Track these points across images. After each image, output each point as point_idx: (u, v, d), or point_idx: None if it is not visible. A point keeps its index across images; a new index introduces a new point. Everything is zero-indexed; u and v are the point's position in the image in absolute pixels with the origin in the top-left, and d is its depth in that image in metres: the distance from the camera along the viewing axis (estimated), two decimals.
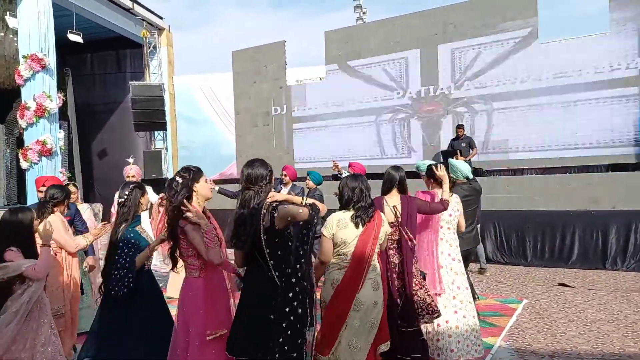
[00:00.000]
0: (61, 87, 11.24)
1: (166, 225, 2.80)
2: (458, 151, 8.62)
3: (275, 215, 2.57)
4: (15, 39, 10.40)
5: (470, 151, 9.00)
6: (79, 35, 9.95)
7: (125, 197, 3.07)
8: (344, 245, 2.91)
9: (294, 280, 2.57)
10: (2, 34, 10.82)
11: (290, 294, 2.55)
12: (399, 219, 3.36)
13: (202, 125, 13.94)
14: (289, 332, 2.52)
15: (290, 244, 2.61)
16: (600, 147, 8.33)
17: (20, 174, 11.60)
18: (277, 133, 11.51)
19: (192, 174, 2.73)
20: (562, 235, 7.33)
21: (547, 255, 7.34)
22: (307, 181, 6.25)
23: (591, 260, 7.04)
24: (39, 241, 3.02)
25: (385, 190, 3.56)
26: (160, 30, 13.38)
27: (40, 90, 9.16)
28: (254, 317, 2.55)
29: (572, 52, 8.63)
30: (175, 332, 2.79)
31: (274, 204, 2.60)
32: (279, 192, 6.32)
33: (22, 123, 9.22)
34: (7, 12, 9.42)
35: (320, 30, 12.34)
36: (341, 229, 2.92)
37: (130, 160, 5.67)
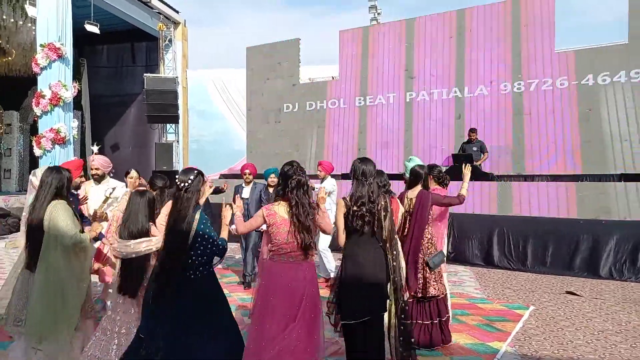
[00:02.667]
0: (76, 77, 11.35)
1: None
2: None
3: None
4: (33, 27, 10.55)
5: (482, 155, 8.96)
6: (96, 26, 10.05)
7: (189, 182, 2.87)
8: None
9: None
10: (21, 23, 10.97)
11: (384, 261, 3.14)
12: (411, 210, 3.94)
13: (213, 120, 14.03)
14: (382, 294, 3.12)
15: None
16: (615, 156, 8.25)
17: (33, 161, 11.76)
18: (288, 130, 11.52)
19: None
20: (571, 243, 7.25)
21: (555, 262, 7.27)
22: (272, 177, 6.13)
23: (600, 270, 6.96)
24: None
25: (409, 185, 4.11)
26: (176, 24, 13.49)
27: (56, 79, 9.28)
28: (363, 284, 3.03)
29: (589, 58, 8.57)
30: (274, 315, 2.91)
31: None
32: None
33: (37, 111, 9.34)
34: (27, 1, 9.54)
35: (334, 31, 12.33)
36: None
37: (95, 149, 5.39)
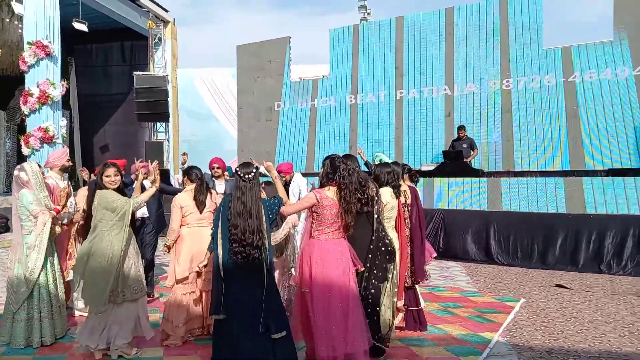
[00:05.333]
0: (64, 75, 11.23)
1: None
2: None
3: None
4: (20, 25, 10.43)
5: (471, 152, 9.03)
6: (85, 24, 9.97)
7: (253, 174, 3.28)
8: (392, 210, 3.94)
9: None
10: (7, 20, 10.82)
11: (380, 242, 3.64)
12: (408, 201, 4.26)
13: (204, 120, 13.97)
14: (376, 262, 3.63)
15: None
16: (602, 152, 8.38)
17: (21, 161, 11.60)
18: (280, 129, 11.52)
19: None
20: (560, 238, 7.34)
21: (544, 257, 7.35)
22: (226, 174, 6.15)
23: (588, 264, 7.06)
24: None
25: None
26: (165, 22, 13.42)
27: (44, 78, 9.18)
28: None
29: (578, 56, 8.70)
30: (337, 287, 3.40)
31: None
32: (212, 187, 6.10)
33: (25, 109, 9.23)
34: None
35: (324, 31, 12.37)
36: (393, 199, 3.93)
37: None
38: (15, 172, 4.08)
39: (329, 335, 3.26)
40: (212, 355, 3.28)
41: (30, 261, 3.88)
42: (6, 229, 9.49)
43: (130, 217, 3.63)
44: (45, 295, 3.94)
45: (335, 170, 3.48)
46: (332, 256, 3.40)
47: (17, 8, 9.40)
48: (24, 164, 4.16)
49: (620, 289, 6.02)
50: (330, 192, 3.46)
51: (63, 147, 7.02)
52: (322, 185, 3.56)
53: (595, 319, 4.76)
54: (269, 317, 3.12)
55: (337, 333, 3.26)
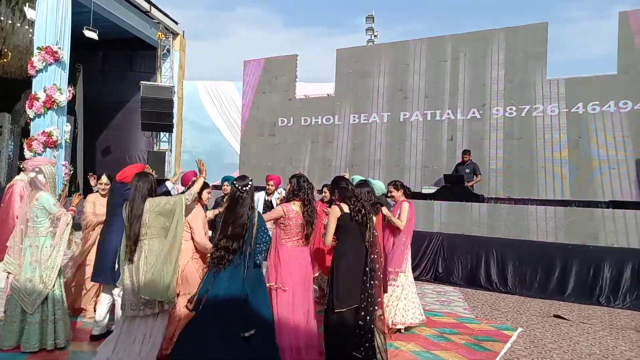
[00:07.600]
0: (71, 81, 11.30)
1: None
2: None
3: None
4: (30, 30, 10.54)
5: (474, 177, 9.03)
6: (95, 32, 10.07)
7: (248, 187, 3.55)
8: None
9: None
10: (19, 24, 10.94)
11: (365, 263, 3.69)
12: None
13: (207, 132, 14.02)
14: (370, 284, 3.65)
15: None
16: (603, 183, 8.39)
17: None
18: (282, 144, 11.56)
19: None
20: (560, 268, 7.29)
21: (543, 286, 7.29)
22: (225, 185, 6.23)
23: (587, 295, 6.99)
24: None
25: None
26: (174, 34, 13.56)
27: (51, 83, 9.24)
28: (353, 278, 3.62)
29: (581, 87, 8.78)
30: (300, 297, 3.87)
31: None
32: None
33: (30, 113, 9.27)
34: (27, 4, 9.55)
35: (330, 51, 12.49)
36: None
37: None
38: (32, 174, 4.04)
39: (290, 327, 3.69)
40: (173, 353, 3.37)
41: (50, 260, 3.89)
42: None
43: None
44: (59, 297, 3.97)
45: (300, 188, 4.05)
46: (296, 261, 3.93)
47: (29, 13, 9.51)
48: (41, 166, 4.12)
49: (619, 322, 5.95)
50: (295, 206, 3.99)
51: (52, 158, 7.06)
52: (287, 200, 4.06)
53: (593, 352, 4.69)
54: (245, 316, 3.34)
55: (298, 326, 3.74)
